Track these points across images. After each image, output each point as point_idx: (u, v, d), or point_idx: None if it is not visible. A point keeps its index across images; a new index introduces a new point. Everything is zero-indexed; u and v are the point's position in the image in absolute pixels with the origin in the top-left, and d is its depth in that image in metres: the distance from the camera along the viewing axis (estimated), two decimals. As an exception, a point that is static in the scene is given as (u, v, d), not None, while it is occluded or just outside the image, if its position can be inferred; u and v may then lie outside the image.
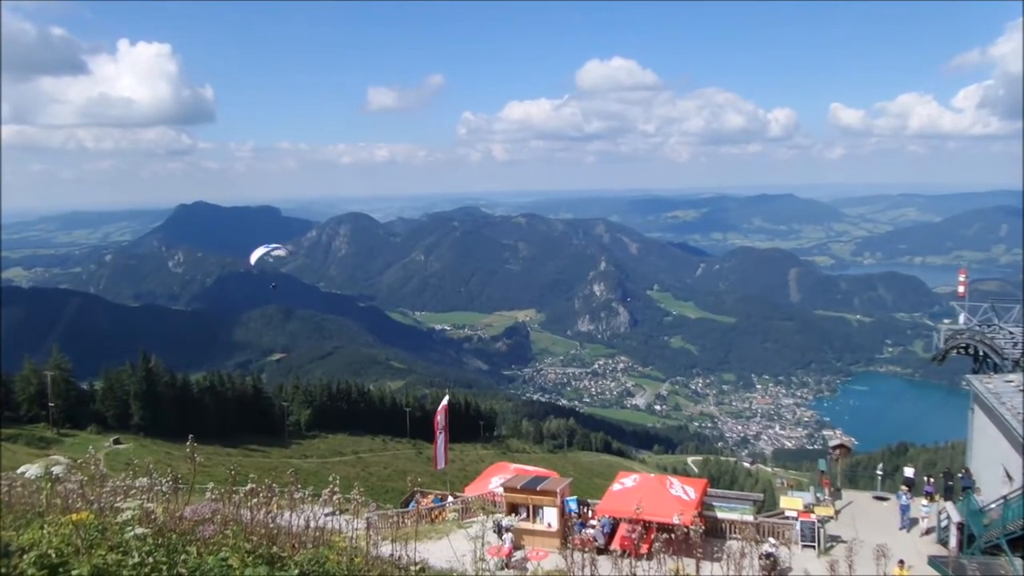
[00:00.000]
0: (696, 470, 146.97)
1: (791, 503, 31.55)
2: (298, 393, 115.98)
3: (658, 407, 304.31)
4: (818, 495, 33.66)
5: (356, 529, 7.05)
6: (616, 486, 29.71)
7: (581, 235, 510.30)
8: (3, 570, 4.46)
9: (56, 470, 7.16)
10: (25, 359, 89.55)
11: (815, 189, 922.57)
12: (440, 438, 35.58)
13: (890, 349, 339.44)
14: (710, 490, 32.29)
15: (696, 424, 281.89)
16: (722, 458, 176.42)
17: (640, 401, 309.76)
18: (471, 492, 34.36)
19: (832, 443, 41.12)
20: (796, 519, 29.19)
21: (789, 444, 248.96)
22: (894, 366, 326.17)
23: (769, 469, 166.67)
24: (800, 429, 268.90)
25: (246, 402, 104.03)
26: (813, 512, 30.04)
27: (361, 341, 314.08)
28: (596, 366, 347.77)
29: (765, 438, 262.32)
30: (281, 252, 51.83)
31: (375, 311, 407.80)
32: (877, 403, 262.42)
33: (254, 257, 47.81)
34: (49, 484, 7.08)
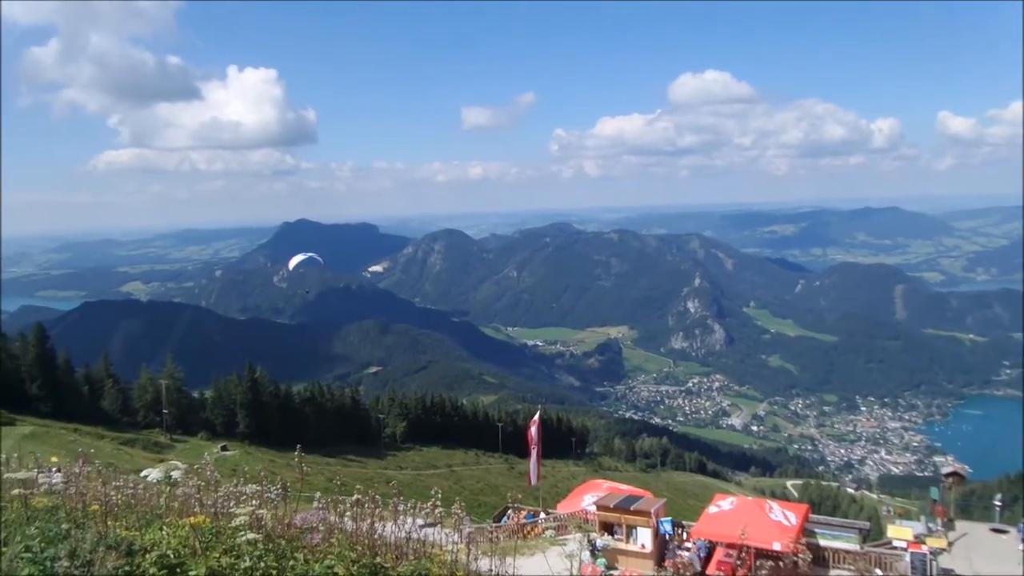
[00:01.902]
0: (796, 494, 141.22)
1: (900, 533, 29.75)
2: (394, 406, 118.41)
3: (755, 428, 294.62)
4: (930, 525, 31.64)
5: (455, 543, 7.07)
6: (712, 508, 28.82)
7: (675, 251, 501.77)
8: (127, 568, 4.72)
9: (175, 474, 7.53)
10: (142, 368, 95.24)
11: (922, 201, 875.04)
12: (533, 454, 35.45)
13: (1008, 371, 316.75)
14: (812, 516, 30.89)
15: (796, 446, 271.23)
16: (824, 483, 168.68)
17: (736, 421, 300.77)
18: (563, 509, 34.08)
19: (945, 470, 38.69)
20: (906, 550, 27.51)
21: (896, 470, 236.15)
22: (1013, 389, 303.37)
23: (875, 496, 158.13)
24: (908, 455, 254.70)
25: (344, 413, 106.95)
26: (924, 543, 28.22)
27: (455, 356, 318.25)
28: (690, 384, 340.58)
29: (870, 463, 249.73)
30: (319, 259, 54.82)
31: (468, 326, 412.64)
32: (993, 428, 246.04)
33: (292, 263, 50.84)
34: (168, 488, 7.47)
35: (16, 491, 6.36)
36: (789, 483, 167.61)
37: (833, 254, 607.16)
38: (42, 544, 4.71)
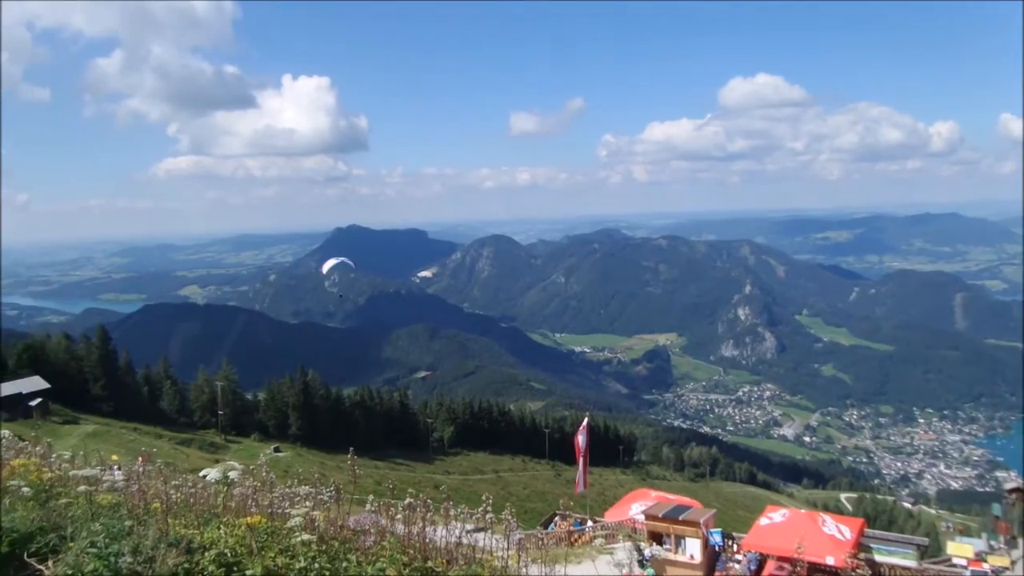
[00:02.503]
0: (850, 508, 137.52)
1: (960, 550, 28.69)
2: (442, 410, 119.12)
3: (807, 439, 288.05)
4: (992, 542, 30.45)
5: (505, 548, 7.06)
6: (763, 520, 28.21)
7: (725, 257, 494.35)
8: (187, 565, 4.84)
9: (232, 475, 7.69)
10: (199, 370, 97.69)
11: (983, 207, 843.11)
12: (580, 461, 35.27)
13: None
14: (867, 531, 30.01)
15: (850, 458, 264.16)
16: (879, 496, 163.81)
17: (788, 431, 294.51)
18: (611, 517, 33.78)
19: (1008, 486, 37.15)
20: (966, 568, 26.55)
21: (956, 485, 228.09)
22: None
23: (933, 511, 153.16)
24: (969, 469, 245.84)
25: (393, 417, 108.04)
26: (986, 561, 27.17)
27: (502, 361, 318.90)
28: (740, 393, 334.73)
29: (928, 477, 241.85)
30: (350, 263, 56.90)
31: (516, 332, 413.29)
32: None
33: (326, 267, 52.29)
34: (226, 488, 7.62)
35: (82, 487, 6.58)
36: (843, 496, 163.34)
37: (889, 261, 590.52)
38: (106, 540, 4.80)
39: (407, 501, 6.58)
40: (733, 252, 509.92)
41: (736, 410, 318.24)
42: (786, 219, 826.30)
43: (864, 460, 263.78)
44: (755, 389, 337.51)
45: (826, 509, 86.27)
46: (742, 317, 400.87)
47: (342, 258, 55.91)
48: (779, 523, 27.50)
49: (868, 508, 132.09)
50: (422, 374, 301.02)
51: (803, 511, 31.89)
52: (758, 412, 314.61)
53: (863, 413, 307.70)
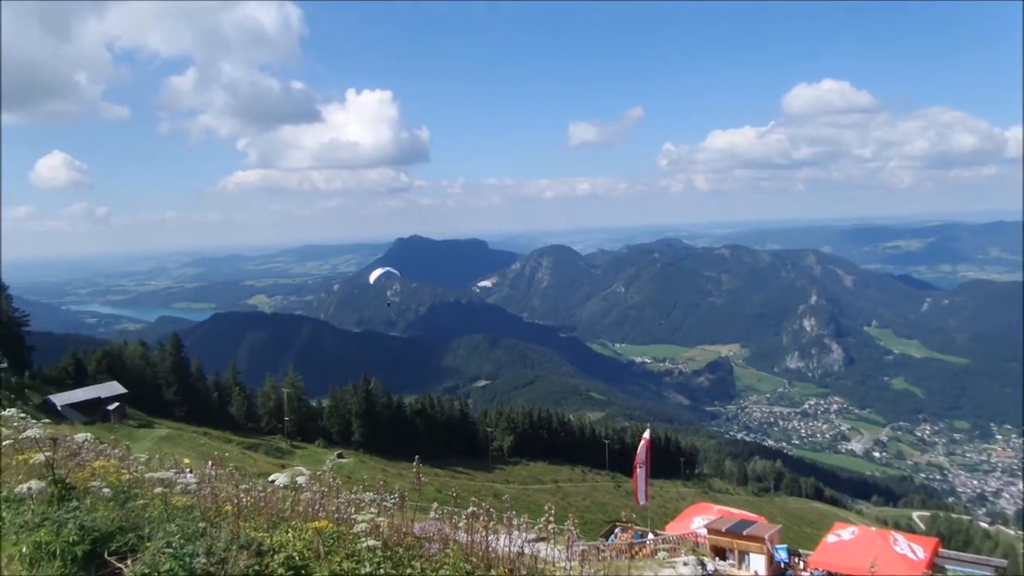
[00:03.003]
0: (923, 527, 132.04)
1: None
2: (501, 419, 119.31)
3: (877, 454, 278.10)
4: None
5: (567, 559, 7.01)
6: (831, 537, 27.34)
7: (789, 267, 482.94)
8: (257, 567, 5.01)
9: (300, 480, 7.85)
10: (266, 377, 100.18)
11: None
12: (641, 473, 34.84)
13: None
14: (941, 550, 28.77)
15: (922, 475, 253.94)
16: (954, 515, 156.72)
17: (856, 446, 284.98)
18: (672, 530, 33.24)
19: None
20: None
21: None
22: None
23: (1012, 532, 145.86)
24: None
25: (453, 425, 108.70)
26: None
27: (562, 371, 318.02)
28: (806, 406, 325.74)
29: (1007, 496, 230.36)
30: (396, 272, 59.58)
31: (575, 342, 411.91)
32: None
33: (373, 277, 53.50)
34: (294, 492, 7.79)
35: (158, 489, 6.83)
36: (915, 514, 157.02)
37: (963, 271, 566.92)
38: (181, 540, 4.98)
39: (470, 509, 6.61)
40: (798, 262, 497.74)
41: (802, 423, 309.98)
42: (854, 228, 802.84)
43: (938, 477, 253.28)
44: (822, 402, 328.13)
45: (897, 527, 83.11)
46: (808, 328, 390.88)
47: (387, 268, 57.58)
48: (848, 541, 26.65)
49: (942, 527, 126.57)
50: (482, 383, 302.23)
51: (873, 529, 30.82)
52: (825, 426, 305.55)
53: (936, 428, 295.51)
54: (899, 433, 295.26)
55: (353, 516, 6.88)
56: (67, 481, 6.35)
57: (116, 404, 72.08)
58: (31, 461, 6.59)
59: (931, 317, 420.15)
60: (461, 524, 6.84)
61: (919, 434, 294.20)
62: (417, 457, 8.98)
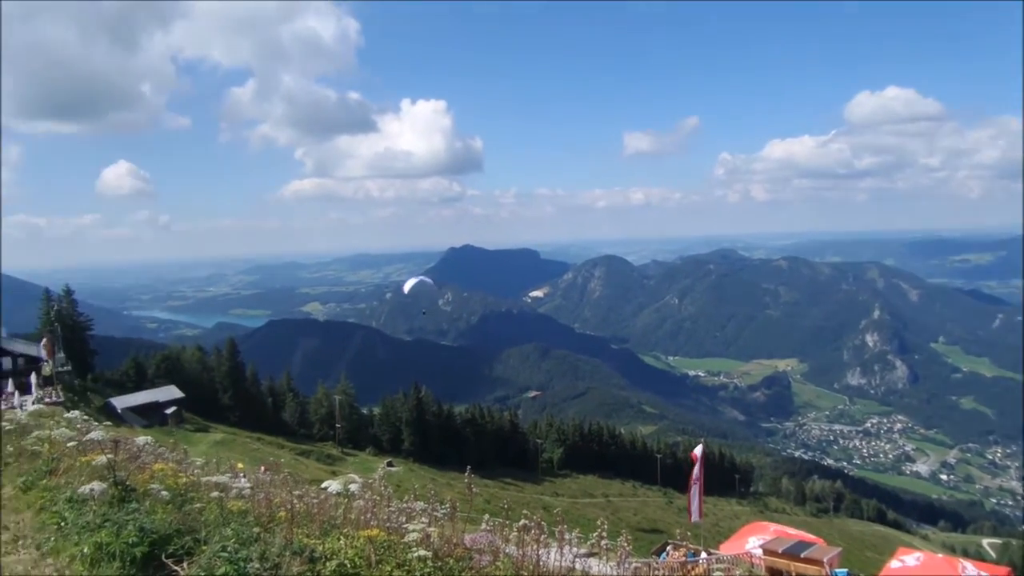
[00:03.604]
0: (993, 555, 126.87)
1: None
2: (551, 431, 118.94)
3: (944, 476, 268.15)
4: None
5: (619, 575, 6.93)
6: (895, 563, 26.41)
7: (851, 280, 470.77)
8: (309, 574, 5.12)
9: (352, 487, 7.93)
10: (319, 384, 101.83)
11: None
12: (694, 489, 34.30)
13: None
14: (1016, 581, 27.50)
15: (993, 500, 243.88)
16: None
17: (922, 468, 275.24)
18: (726, 550, 32.58)
19: None
20: None
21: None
22: None
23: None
24: None
25: (503, 436, 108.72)
26: None
27: (613, 383, 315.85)
28: (868, 425, 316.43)
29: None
30: (430, 280, 59.18)
31: (628, 353, 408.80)
32: None
33: (408, 286, 53.76)
34: (346, 500, 7.88)
35: (214, 493, 6.99)
36: (985, 541, 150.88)
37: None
38: (236, 545, 5.08)
39: (521, 522, 6.58)
40: (860, 274, 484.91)
41: (863, 442, 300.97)
42: (919, 240, 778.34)
43: (1010, 503, 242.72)
44: (885, 421, 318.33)
45: (966, 555, 79.89)
46: (870, 344, 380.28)
47: (421, 276, 58.81)
48: (913, 567, 25.73)
49: (1015, 556, 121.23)
50: (532, 394, 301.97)
51: (940, 556, 29.68)
52: (888, 446, 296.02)
53: (1009, 451, 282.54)
54: (968, 455, 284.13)
55: (404, 525, 6.93)
56: (127, 483, 6.55)
57: (174, 408, 73.86)
58: (93, 463, 6.81)
59: (1002, 334, 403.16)
60: (512, 537, 6.81)
61: (989, 457, 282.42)
62: (468, 468, 9.01)
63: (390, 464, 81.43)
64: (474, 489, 7.81)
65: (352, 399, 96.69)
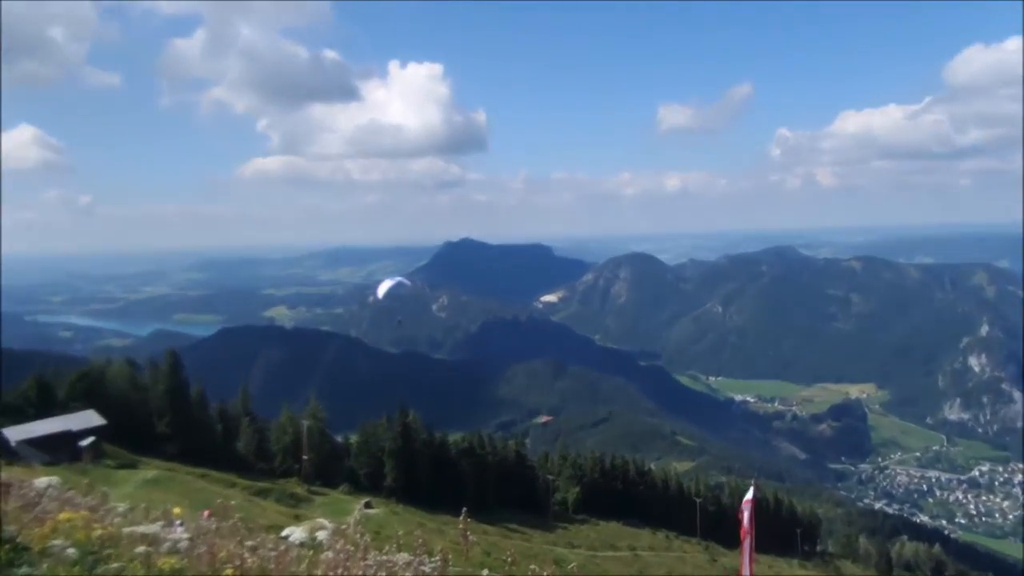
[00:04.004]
0: None
1: None
2: (566, 466, 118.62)
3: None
4: None
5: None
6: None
7: (948, 286, 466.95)
8: None
9: (320, 535, 7.63)
10: (283, 406, 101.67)
11: None
12: (745, 544, 33.90)
13: None
14: None
15: None
16: None
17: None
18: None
19: None
20: None
21: None
22: None
23: None
24: None
25: (507, 470, 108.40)
26: None
27: (641, 407, 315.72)
28: (976, 473, 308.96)
29: None
30: (407, 282, 58.03)
31: (659, 372, 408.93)
32: None
33: (382, 289, 53.59)
34: (312, 552, 7.57)
35: (139, 548, 6.61)
36: None
37: None
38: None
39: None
40: (962, 280, 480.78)
41: (971, 496, 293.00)
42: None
43: None
44: (1000, 470, 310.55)
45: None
46: (976, 368, 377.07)
47: (399, 278, 58.48)
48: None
49: None
50: (543, 419, 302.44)
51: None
52: (1006, 503, 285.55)
53: None
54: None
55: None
56: (18, 541, 6.16)
57: (91, 439, 70.90)
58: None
59: None
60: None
61: None
62: (464, 510, 8.72)
63: (368, 505, 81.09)
64: (471, 537, 7.53)
65: (324, 425, 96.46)
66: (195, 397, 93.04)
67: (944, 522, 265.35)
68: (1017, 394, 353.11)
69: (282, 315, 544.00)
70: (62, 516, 7.57)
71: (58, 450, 68.77)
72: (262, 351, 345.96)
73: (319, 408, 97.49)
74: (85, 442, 70.93)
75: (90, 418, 75.67)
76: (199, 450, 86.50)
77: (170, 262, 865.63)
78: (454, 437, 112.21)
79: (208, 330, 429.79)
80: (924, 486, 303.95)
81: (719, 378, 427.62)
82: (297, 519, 60.07)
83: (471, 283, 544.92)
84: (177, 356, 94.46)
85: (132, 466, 72.17)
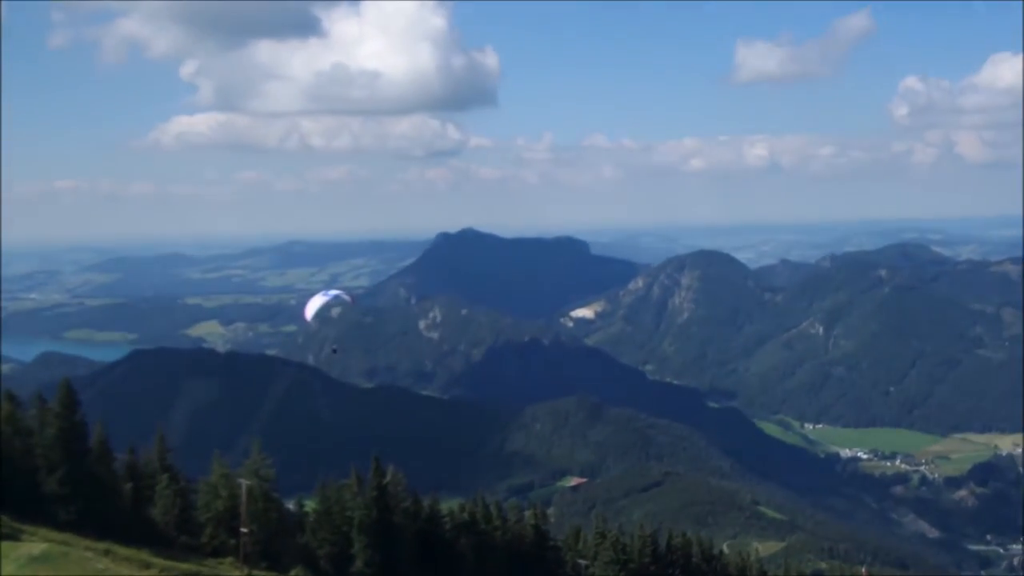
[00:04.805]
0: None
1: None
2: (604, 546, 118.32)
3: None
4: None
5: None
6: None
7: None
8: None
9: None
10: (214, 458, 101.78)
11: None
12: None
13: None
14: None
15: None
16: None
17: None
18: None
19: None
20: None
21: None
22: None
23: None
24: None
25: (521, 551, 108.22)
26: None
27: (709, 465, 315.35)
28: None
29: None
30: (346, 297, 62.67)
31: (735, 416, 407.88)
32: None
33: (311, 309, 53.84)
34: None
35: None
36: None
37: None
38: None
39: None
40: None
41: None
42: None
43: None
44: None
45: None
46: None
47: (335, 291, 58.94)
48: None
49: None
50: (573, 481, 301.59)
51: None
52: None
53: None
54: None
55: None
56: None
57: None
58: None
59: None
60: None
61: None
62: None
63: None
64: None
65: (270, 486, 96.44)
66: (96, 445, 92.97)
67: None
68: None
69: (213, 333, 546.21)
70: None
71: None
72: (185, 383, 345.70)
73: (264, 462, 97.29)
74: (-50, 504, 71.71)
75: (-42, 473, 76.46)
76: (102, 516, 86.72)
77: (62, 259, 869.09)
78: (449, 505, 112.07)
79: (113, 353, 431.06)
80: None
81: (819, 426, 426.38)
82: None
83: (474, 291, 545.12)
84: (72, 389, 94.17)
85: (13, 537, 72.40)
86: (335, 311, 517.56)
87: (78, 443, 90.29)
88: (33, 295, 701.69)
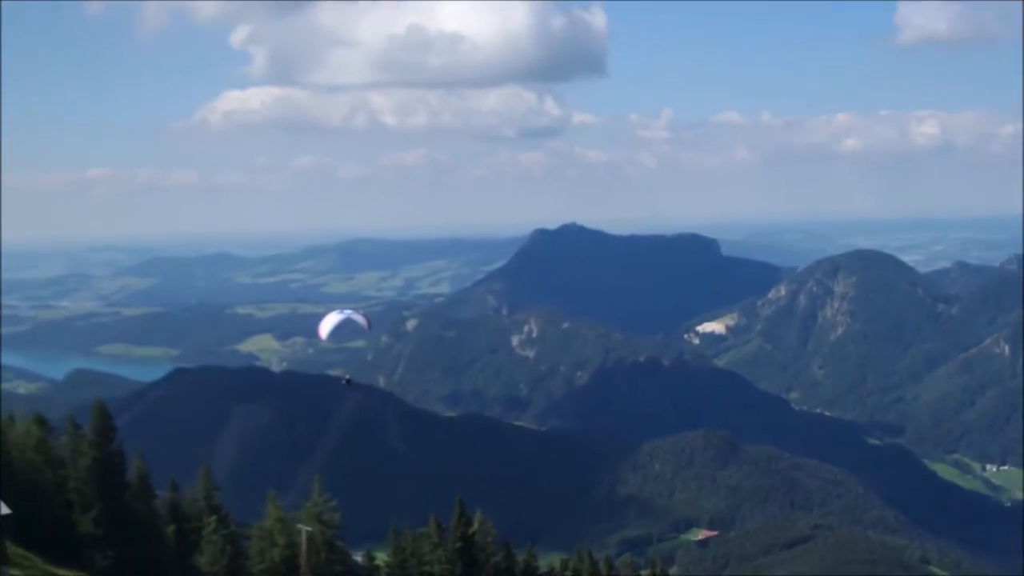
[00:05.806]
0: None
1: None
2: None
3: None
4: None
5: None
6: None
7: None
8: None
9: None
10: (268, 498, 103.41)
11: None
12: None
13: None
14: None
15: None
16: None
17: None
18: None
19: None
20: None
21: None
22: None
23: None
24: None
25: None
26: None
27: (868, 516, 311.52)
28: None
29: None
30: (360, 319, 60.21)
31: (902, 455, 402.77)
32: None
33: (326, 327, 53.83)
34: None
35: None
36: None
37: None
38: None
39: None
40: None
41: None
42: None
43: None
44: None
45: None
46: None
47: (347, 312, 58.91)
48: None
49: None
50: (702, 535, 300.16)
51: None
52: None
53: None
54: None
55: None
56: None
57: None
58: None
59: None
60: None
61: None
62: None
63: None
64: None
65: (334, 532, 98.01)
66: (135, 481, 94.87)
67: None
68: None
69: (268, 349, 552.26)
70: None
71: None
72: (235, 408, 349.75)
73: (327, 505, 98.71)
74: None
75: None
76: (142, 563, 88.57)
77: (94, 260, 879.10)
78: (549, 561, 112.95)
79: (152, 371, 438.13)
80: None
81: (1004, 468, 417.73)
82: None
83: (578, 301, 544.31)
84: (106, 413, 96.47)
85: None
86: (410, 324, 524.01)
87: (115, 477, 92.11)
88: (64, 303, 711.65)
